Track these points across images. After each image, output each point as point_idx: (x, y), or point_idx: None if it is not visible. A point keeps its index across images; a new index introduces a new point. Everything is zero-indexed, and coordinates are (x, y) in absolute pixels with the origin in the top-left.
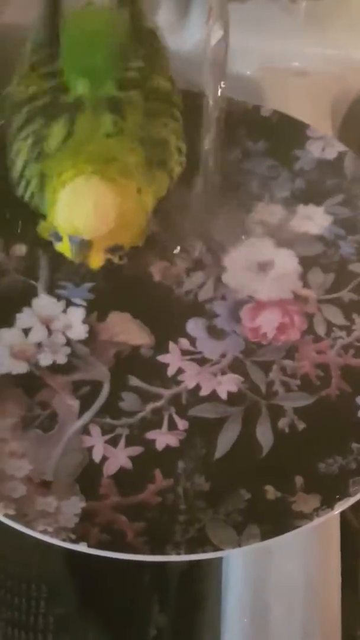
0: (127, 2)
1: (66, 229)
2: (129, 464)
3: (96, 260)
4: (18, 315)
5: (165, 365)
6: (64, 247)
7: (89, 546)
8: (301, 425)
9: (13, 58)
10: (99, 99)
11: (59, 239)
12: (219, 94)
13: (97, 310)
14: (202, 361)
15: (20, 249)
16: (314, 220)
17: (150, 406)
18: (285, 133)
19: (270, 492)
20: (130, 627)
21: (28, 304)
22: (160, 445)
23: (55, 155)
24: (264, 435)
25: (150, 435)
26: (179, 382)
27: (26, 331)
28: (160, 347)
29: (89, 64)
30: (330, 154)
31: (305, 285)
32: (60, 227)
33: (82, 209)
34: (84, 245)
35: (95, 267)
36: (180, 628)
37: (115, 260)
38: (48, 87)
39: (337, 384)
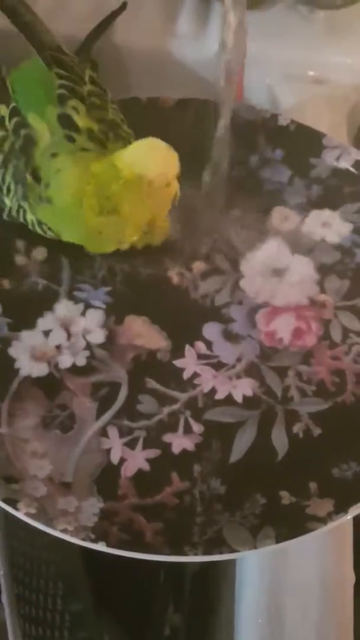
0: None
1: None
2: (146, 466)
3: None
4: (39, 318)
5: (181, 369)
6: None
7: (108, 545)
8: (316, 431)
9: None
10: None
11: None
12: (233, 103)
13: (115, 313)
14: (218, 365)
15: (42, 252)
16: (331, 227)
17: (167, 409)
18: (302, 141)
19: (285, 497)
20: (145, 626)
21: (49, 307)
22: (176, 449)
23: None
24: (279, 440)
25: (167, 438)
26: (195, 386)
27: (47, 333)
28: (177, 351)
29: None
30: (347, 162)
31: (322, 291)
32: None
33: (156, 153)
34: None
35: (129, 239)
36: (195, 628)
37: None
38: (11, 127)
39: (353, 390)
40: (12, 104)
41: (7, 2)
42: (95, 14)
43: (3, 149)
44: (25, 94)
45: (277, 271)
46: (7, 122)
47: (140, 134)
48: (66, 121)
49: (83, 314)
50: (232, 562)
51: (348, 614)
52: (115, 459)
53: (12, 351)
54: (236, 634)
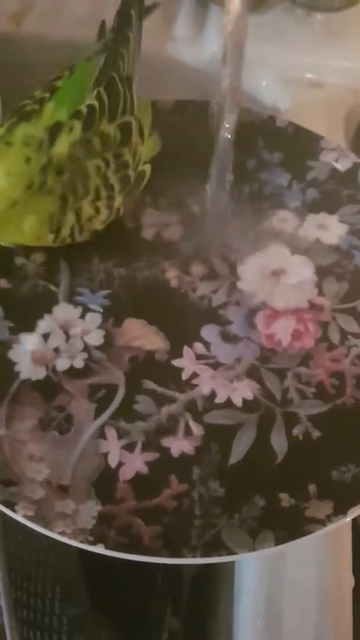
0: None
1: None
2: (145, 470)
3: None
4: (38, 321)
5: (179, 369)
6: None
7: (107, 548)
8: (315, 433)
9: (31, 67)
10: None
11: None
12: (235, 106)
13: (113, 316)
14: (216, 365)
15: (41, 256)
16: (329, 229)
17: (165, 410)
18: (300, 144)
19: (285, 499)
20: (143, 630)
21: (48, 309)
22: (175, 452)
23: None
24: (279, 443)
25: (166, 441)
26: (193, 387)
27: (45, 336)
28: (175, 351)
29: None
30: (345, 165)
31: (320, 294)
32: None
33: None
34: None
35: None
36: (193, 632)
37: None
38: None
39: (352, 392)
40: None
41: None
42: (93, 17)
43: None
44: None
45: (275, 273)
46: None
47: None
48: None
49: (81, 316)
50: (230, 566)
51: (347, 618)
52: (113, 462)
53: (12, 354)
54: (234, 638)
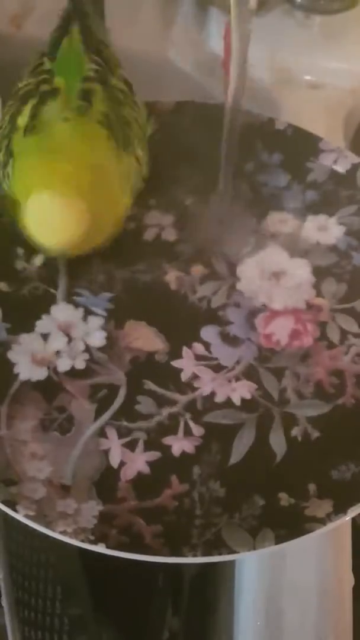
0: (79, 18)
1: (36, 242)
2: (146, 469)
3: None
4: (37, 322)
5: (179, 370)
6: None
7: (108, 547)
8: (315, 433)
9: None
10: (70, 88)
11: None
12: (239, 107)
13: (114, 318)
14: (216, 367)
15: (41, 259)
16: (327, 230)
17: (165, 410)
18: (299, 146)
19: (284, 499)
20: (144, 630)
21: (47, 311)
22: (176, 451)
23: (23, 146)
24: (278, 443)
25: (167, 440)
26: (194, 388)
27: (45, 337)
28: (175, 352)
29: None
30: (344, 166)
31: (319, 294)
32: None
33: (48, 228)
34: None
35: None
36: (193, 631)
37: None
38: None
39: (352, 392)
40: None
41: None
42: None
43: (20, 91)
44: (62, 62)
45: (274, 274)
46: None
47: None
48: (84, 95)
49: (83, 318)
50: (230, 566)
51: (347, 617)
52: (114, 462)
53: (12, 355)
54: (235, 637)
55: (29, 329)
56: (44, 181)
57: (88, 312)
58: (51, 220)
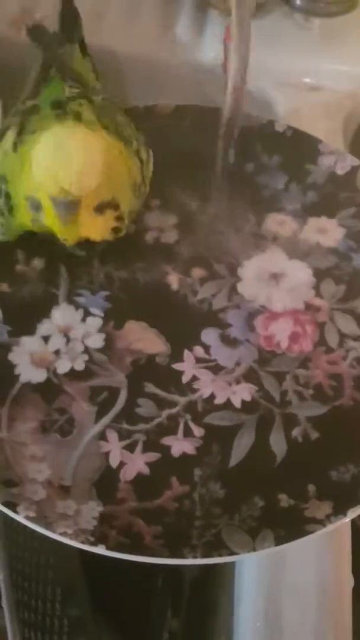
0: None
1: (48, 189)
2: (146, 470)
3: (96, 229)
4: (38, 324)
5: (180, 373)
6: (46, 217)
7: (107, 548)
8: (314, 435)
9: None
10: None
11: (38, 207)
12: (238, 110)
13: (114, 319)
14: (216, 369)
15: (41, 261)
16: (327, 232)
17: (166, 412)
18: (298, 148)
19: (284, 500)
20: (144, 631)
21: (48, 312)
22: (176, 452)
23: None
24: (278, 444)
25: (167, 441)
26: (194, 390)
27: (46, 339)
28: (176, 355)
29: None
30: (343, 168)
31: (318, 295)
32: (40, 189)
33: (65, 162)
34: (72, 207)
35: (98, 238)
36: (193, 633)
37: (122, 227)
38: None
39: (351, 394)
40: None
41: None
42: (93, 22)
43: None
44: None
45: (274, 276)
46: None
47: None
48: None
49: (82, 319)
50: (230, 567)
51: (346, 618)
52: (114, 462)
53: (12, 357)
54: (235, 638)
55: (30, 330)
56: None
57: (88, 314)
58: (70, 148)
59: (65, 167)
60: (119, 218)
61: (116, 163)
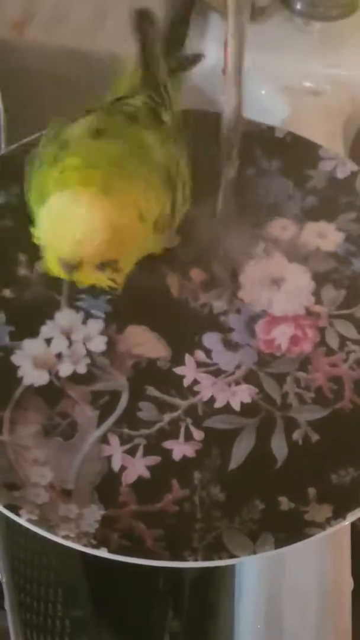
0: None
1: (51, 250)
2: (147, 474)
3: (88, 277)
4: (41, 328)
5: (181, 377)
6: (50, 263)
7: (110, 551)
8: (315, 437)
9: (33, 75)
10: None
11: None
12: (237, 115)
13: (115, 322)
14: (217, 373)
15: (43, 265)
16: (327, 237)
17: (167, 416)
18: (298, 153)
19: (284, 503)
20: (145, 633)
21: (50, 315)
22: (177, 456)
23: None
24: (278, 447)
25: (168, 445)
26: (195, 393)
27: (48, 342)
28: (177, 359)
29: None
30: (343, 173)
31: (318, 301)
32: (44, 246)
33: (65, 229)
34: (72, 267)
35: (85, 283)
36: (194, 634)
37: (119, 283)
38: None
39: (351, 397)
40: None
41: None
42: (95, 26)
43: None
44: None
45: (274, 280)
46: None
47: None
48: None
49: (84, 322)
50: (230, 569)
51: (346, 620)
52: (116, 466)
53: (15, 359)
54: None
55: (33, 334)
56: (61, 183)
57: (90, 317)
58: (72, 217)
59: (65, 238)
60: (117, 274)
61: (127, 225)
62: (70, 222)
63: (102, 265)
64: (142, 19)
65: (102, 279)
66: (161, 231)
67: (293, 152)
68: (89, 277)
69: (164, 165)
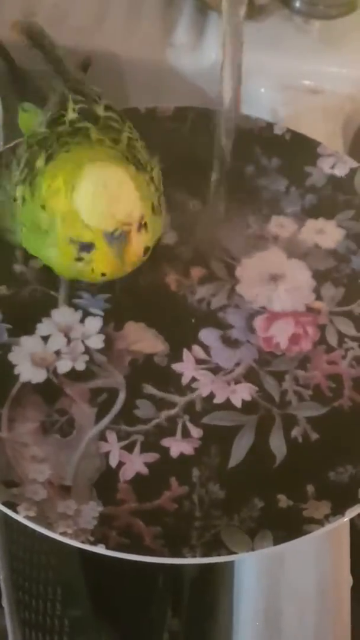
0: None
1: (101, 226)
2: (145, 470)
3: (136, 254)
4: (38, 324)
5: (179, 374)
6: (98, 255)
7: (108, 548)
8: (314, 435)
9: (32, 75)
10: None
11: (89, 247)
12: (235, 112)
13: (113, 320)
14: (216, 370)
15: (39, 262)
16: (326, 234)
17: (164, 414)
18: (297, 150)
19: (283, 500)
20: (144, 631)
21: (47, 313)
22: (175, 453)
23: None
24: (277, 445)
25: (165, 442)
26: (193, 390)
27: (45, 339)
28: (175, 355)
29: None
30: (342, 171)
31: (318, 297)
32: (92, 226)
33: (110, 199)
34: (124, 238)
35: (135, 263)
36: (193, 633)
37: (150, 246)
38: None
39: (349, 395)
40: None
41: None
42: (95, 26)
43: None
44: None
45: (273, 277)
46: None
47: None
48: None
49: (82, 320)
50: (230, 567)
51: (345, 617)
52: (113, 462)
53: (12, 357)
54: (234, 638)
55: (30, 331)
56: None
57: (88, 314)
58: (109, 189)
59: (112, 203)
60: (148, 238)
61: (140, 189)
62: (110, 190)
63: (140, 229)
64: (31, 32)
65: (140, 251)
66: (158, 214)
67: (292, 150)
68: (132, 254)
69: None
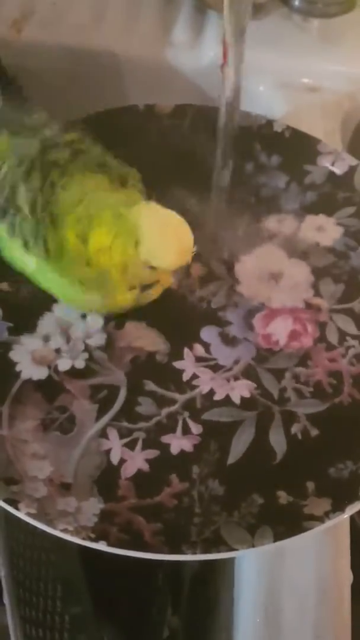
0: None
1: (176, 264)
2: (146, 467)
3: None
4: (39, 322)
5: (180, 371)
6: (157, 288)
7: (108, 545)
8: (314, 432)
9: (31, 73)
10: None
11: (151, 286)
12: (235, 110)
13: (114, 318)
14: (215, 367)
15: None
16: (326, 231)
17: (165, 411)
18: (297, 148)
19: (283, 497)
20: (144, 628)
21: (49, 310)
22: (175, 450)
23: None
24: (277, 441)
25: (166, 439)
26: (193, 387)
27: (46, 337)
28: (176, 353)
29: None
30: (341, 168)
31: (316, 294)
32: (165, 267)
33: (178, 234)
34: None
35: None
36: (193, 630)
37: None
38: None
39: (349, 391)
40: None
41: None
42: (94, 23)
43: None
44: None
45: (273, 274)
46: None
47: (138, 141)
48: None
49: (83, 318)
50: (230, 564)
51: (345, 614)
52: (115, 459)
53: (13, 355)
54: (234, 635)
55: (30, 329)
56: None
57: (88, 313)
58: (175, 226)
59: (181, 242)
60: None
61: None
62: (172, 230)
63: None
64: None
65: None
66: None
67: (291, 147)
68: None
69: None
